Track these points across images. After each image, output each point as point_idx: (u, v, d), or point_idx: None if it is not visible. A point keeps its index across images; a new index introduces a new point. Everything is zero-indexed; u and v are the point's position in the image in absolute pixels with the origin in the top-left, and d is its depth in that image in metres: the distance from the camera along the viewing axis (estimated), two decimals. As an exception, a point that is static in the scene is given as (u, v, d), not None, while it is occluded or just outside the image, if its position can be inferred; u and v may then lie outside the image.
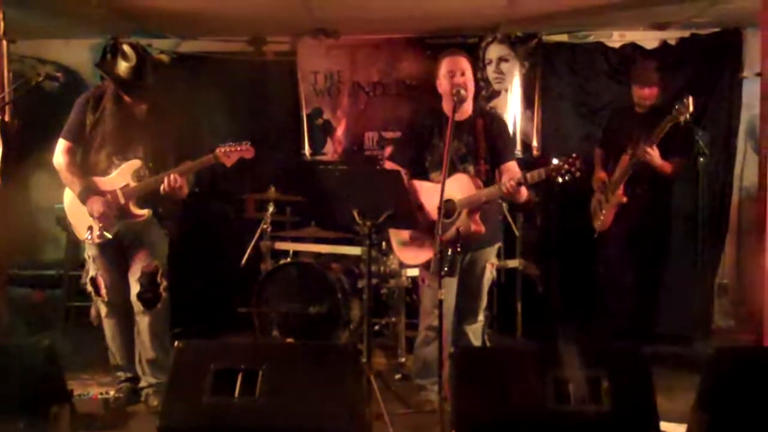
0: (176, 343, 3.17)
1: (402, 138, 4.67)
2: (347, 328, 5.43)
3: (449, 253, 3.73)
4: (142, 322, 4.35)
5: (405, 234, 4.28)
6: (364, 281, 4.59)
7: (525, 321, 5.97)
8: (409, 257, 4.36)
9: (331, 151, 6.73)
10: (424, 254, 4.14)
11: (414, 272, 5.02)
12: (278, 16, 5.93)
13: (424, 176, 4.29)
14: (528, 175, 3.88)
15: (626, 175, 5.26)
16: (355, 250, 5.59)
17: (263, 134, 6.45)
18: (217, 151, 4.20)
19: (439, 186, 3.81)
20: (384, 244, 5.23)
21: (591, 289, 5.74)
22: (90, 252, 4.42)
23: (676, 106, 4.91)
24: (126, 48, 4.22)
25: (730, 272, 6.45)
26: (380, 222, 3.90)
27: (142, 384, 4.43)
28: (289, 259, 5.61)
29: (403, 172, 4.15)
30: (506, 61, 6.50)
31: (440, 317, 3.76)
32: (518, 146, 6.31)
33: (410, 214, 3.92)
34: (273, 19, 6.08)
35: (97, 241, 4.28)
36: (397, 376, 5.05)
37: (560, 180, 3.77)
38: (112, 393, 4.39)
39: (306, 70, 6.66)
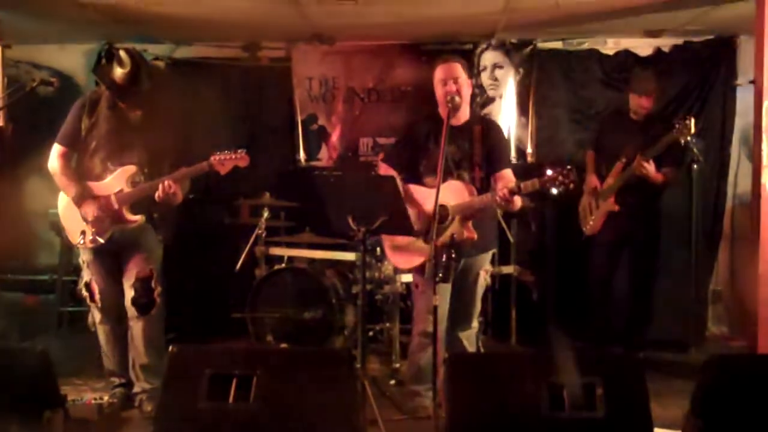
0: (170, 348, 3.16)
1: (398, 140, 4.67)
2: (342, 333, 5.43)
3: (443, 258, 3.73)
4: (136, 327, 4.34)
5: (399, 239, 4.27)
6: (359, 287, 4.59)
7: (519, 327, 5.95)
8: (403, 262, 4.36)
9: (325, 156, 6.73)
10: (418, 260, 4.14)
11: (408, 278, 5.02)
12: (273, 22, 5.93)
13: (418, 180, 4.29)
14: (522, 185, 3.87)
15: (619, 184, 5.29)
16: (349, 256, 5.59)
17: (258, 140, 6.46)
18: (212, 158, 4.19)
19: (433, 191, 3.82)
20: (378, 249, 5.23)
21: (585, 296, 5.75)
22: (84, 257, 4.42)
23: (677, 125, 4.97)
24: (122, 54, 4.21)
25: (724, 279, 6.46)
26: (374, 228, 3.90)
27: (136, 389, 4.42)
28: (283, 265, 5.61)
29: (396, 175, 4.15)
30: (501, 67, 6.52)
31: (435, 323, 3.76)
32: (513, 153, 6.31)
33: (404, 220, 3.92)
34: (268, 25, 6.09)
35: (89, 246, 4.27)
36: (392, 382, 5.04)
37: (554, 191, 3.78)
38: (105, 398, 4.37)
39: (301, 76, 6.67)
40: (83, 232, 4.27)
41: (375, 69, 6.63)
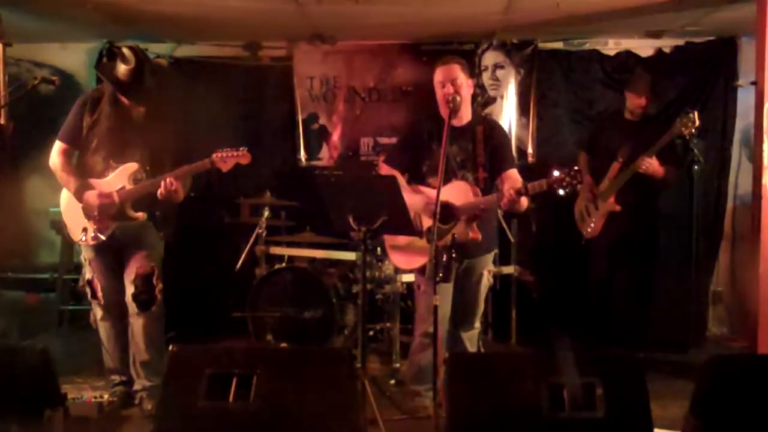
0: (171, 348, 3.16)
1: (399, 140, 4.67)
2: (342, 333, 5.43)
3: (444, 258, 3.74)
4: (137, 323, 4.35)
5: (399, 239, 4.27)
6: (359, 286, 4.60)
7: (520, 327, 5.96)
8: (404, 262, 4.36)
9: (326, 156, 6.74)
10: (419, 260, 4.14)
11: (409, 278, 5.03)
12: (275, 22, 5.93)
13: (422, 181, 4.28)
14: (529, 186, 3.86)
15: (620, 183, 5.29)
16: (350, 256, 5.58)
17: (259, 139, 6.46)
18: (214, 156, 4.19)
19: (435, 191, 3.82)
20: (379, 249, 5.23)
21: (585, 296, 5.75)
22: (85, 254, 4.43)
23: (682, 119, 4.97)
24: (126, 51, 4.22)
25: (725, 280, 6.46)
26: (375, 227, 3.90)
27: (137, 387, 4.43)
28: (284, 264, 5.62)
29: (399, 174, 4.15)
30: (502, 67, 6.52)
31: (435, 323, 3.77)
32: (513, 153, 6.31)
33: (405, 219, 3.92)
34: (269, 25, 6.09)
35: (91, 242, 4.29)
36: (392, 382, 5.04)
37: (561, 192, 3.77)
38: (106, 396, 4.36)
39: (302, 76, 6.67)
40: (85, 230, 4.28)
41: (376, 69, 6.63)
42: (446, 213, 3.99)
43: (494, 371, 3.15)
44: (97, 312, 4.48)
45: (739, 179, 6.30)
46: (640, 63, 6.32)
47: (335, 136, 6.71)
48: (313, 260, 5.77)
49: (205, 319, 5.95)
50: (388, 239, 4.36)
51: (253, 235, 5.73)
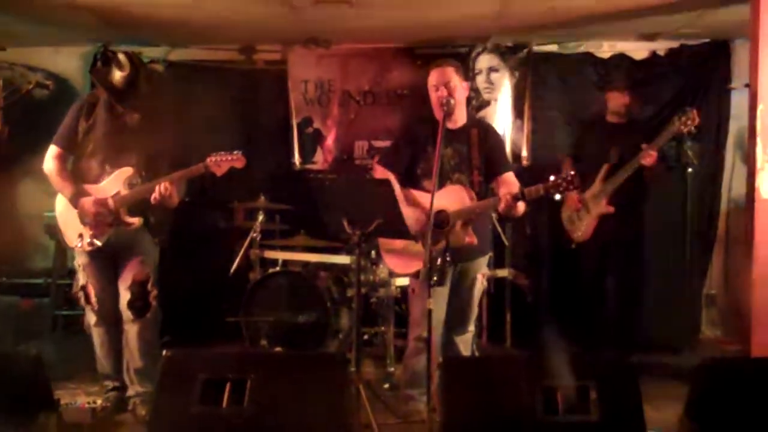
0: (164, 353, 3.16)
1: (394, 142, 4.67)
2: (336, 337, 5.42)
3: (438, 262, 3.73)
4: (131, 330, 4.33)
5: (394, 243, 4.27)
6: (354, 290, 4.59)
7: (514, 330, 5.96)
8: (399, 266, 4.36)
9: (320, 160, 6.73)
10: (414, 264, 4.13)
11: (404, 281, 5.02)
12: (270, 25, 5.93)
13: (416, 184, 4.28)
14: (526, 191, 3.87)
15: (619, 182, 5.28)
16: (344, 259, 5.57)
17: (253, 143, 6.45)
18: (208, 160, 4.18)
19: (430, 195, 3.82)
20: (373, 253, 5.23)
21: (580, 299, 5.75)
22: (80, 260, 4.41)
23: (681, 117, 4.97)
24: (121, 57, 4.22)
25: (718, 282, 6.46)
26: (370, 231, 3.89)
27: (130, 393, 4.40)
28: (278, 268, 5.60)
29: (393, 177, 4.15)
30: (496, 71, 6.52)
31: (429, 327, 3.76)
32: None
33: (399, 223, 3.91)
34: (264, 28, 6.09)
35: (87, 248, 4.27)
36: (386, 386, 5.03)
37: (558, 197, 3.78)
38: (99, 402, 4.34)
39: (296, 79, 6.67)
40: (81, 235, 4.27)
41: (370, 72, 6.63)
42: (441, 219, 3.99)
43: (488, 375, 3.16)
44: (91, 318, 4.46)
45: (732, 182, 6.31)
46: (634, 65, 6.33)
47: (330, 140, 6.70)
48: (307, 264, 5.76)
49: (199, 324, 5.92)
50: (383, 243, 4.35)
51: (248, 239, 5.71)
